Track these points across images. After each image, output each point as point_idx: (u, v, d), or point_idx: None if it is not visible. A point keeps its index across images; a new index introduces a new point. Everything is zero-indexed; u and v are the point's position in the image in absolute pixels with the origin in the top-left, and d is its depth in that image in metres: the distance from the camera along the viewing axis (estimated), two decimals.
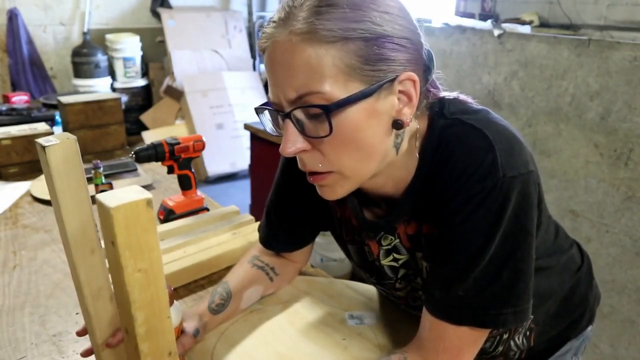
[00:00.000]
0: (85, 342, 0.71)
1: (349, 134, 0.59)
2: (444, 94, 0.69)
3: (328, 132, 0.58)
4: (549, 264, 0.77)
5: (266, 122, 0.67)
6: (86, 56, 3.81)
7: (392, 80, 0.59)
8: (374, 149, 0.62)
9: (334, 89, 0.57)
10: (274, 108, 0.63)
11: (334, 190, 0.65)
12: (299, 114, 0.60)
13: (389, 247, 0.75)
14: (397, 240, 0.73)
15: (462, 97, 0.69)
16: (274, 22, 0.60)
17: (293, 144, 0.60)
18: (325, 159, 0.61)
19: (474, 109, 0.67)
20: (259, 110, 0.66)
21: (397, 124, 0.61)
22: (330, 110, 0.57)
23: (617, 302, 1.79)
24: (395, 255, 0.75)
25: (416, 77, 0.60)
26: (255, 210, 2.72)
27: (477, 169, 0.59)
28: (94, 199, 0.51)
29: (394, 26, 0.58)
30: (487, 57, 2.13)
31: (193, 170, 1.29)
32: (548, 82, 1.91)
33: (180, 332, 0.75)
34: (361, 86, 0.57)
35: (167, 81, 4.11)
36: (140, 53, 4.14)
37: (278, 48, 0.58)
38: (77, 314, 0.91)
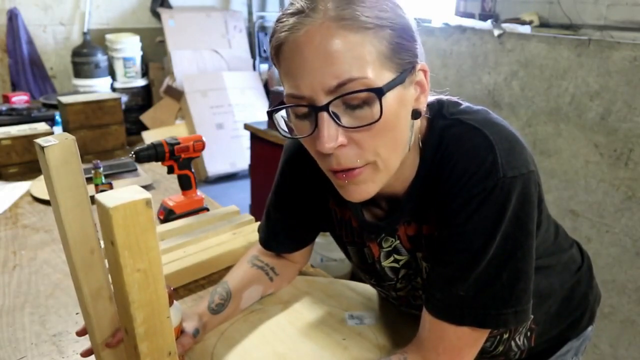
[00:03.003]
0: (85, 342, 0.71)
1: (390, 121, 0.58)
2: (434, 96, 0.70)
3: (378, 117, 0.56)
4: (549, 264, 0.77)
5: (282, 123, 0.64)
6: (86, 56, 3.81)
7: (412, 70, 0.60)
8: (403, 139, 0.62)
9: (375, 75, 0.56)
10: (304, 104, 0.58)
11: (366, 188, 0.62)
12: (336, 105, 0.57)
13: (390, 248, 0.75)
14: (398, 242, 0.73)
15: (453, 98, 0.70)
16: (296, 12, 0.57)
17: (333, 138, 0.57)
18: (362, 151, 0.59)
19: (474, 109, 0.67)
20: (274, 112, 0.63)
21: (416, 113, 0.62)
22: (382, 93, 0.56)
23: (617, 302, 1.79)
24: (396, 256, 0.75)
25: (427, 68, 0.62)
26: (255, 210, 2.72)
27: (478, 169, 0.59)
28: (93, 199, 0.51)
29: (409, 18, 0.60)
30: (487, 57, 2.13)
31: (193, 170, 1.29)
32: (548, 82, 1.91)
33: (180, 332, 0.75)
34: (392, 75, 0.58)
35: (167, 81, 4.11)
36: (140, 53, 4.15)
37: (313, 35, 0.55)
38: (77, 314, 0.91)
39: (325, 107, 0.56)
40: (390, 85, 0.57)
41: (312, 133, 0.59)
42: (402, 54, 0.58)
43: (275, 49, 0.60)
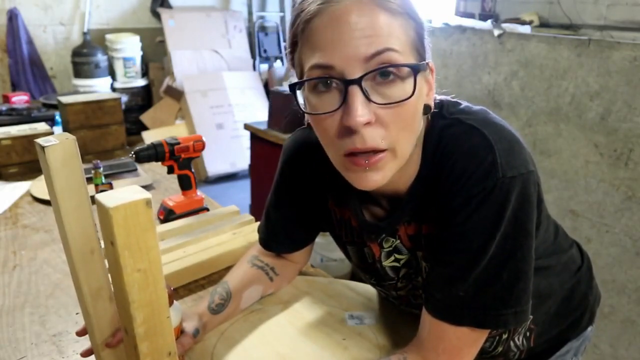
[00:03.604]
0: (85, 342, 0.71)
1: (415, 104, 0.59)
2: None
3: (411, 94, 0.56)
4: (549, 264, 0.77)
5: (301, 100, 0.62)
6: (86, 56, 3.81)
7: (426, 65, 0.61)
8: (418, 128, 0.63)
9: (405, 56, 0.57)
10: (335, 76, 0.57)
11: (382, 174, 0.60)
12: (366, 80, 0.56)
13: (390, 248, 0.75)
14: (398, 241, 0.73)
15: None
16: None
17: (365, 113, 0.55)
18: (387, 132, 0.58)
19: (473, 109, 0.67)
20: (297, 86, 0.61)
21: (427, 108, 0.63)
22: (418, 70, 0.57)
23: (617, 302, 1.79)
24: (397, 255, 0.75)
25: (433, 66, 0.64)
26: (255, 210, 2.72)
27: (477, 169, 0.59)
28: (93, 199, 0.51)
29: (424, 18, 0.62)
30: (487, 57, 2.13)
31: (193, 170, 1.29)
32: (548, 82, 1.91)
33: (180, 332, 0.75)
34: (416, 62, 0.59)
35: (167, 81, 4.11)
36: (140, 53, 4.15)
37: (350, 8, 0.55)
38: (77, 314, 0.91)
39: (358, 81, 0.55)
40: (421, 67, 0.58)
41: (338, 108, 0.57)
42: (421, 47, 0.61)
43: (304, 23, 0.58)
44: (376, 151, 0.58)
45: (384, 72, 0.56)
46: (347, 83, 0.56)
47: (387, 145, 0.58)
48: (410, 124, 0.60)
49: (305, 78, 0.60)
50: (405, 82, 0.57)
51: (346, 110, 0.56)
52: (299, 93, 0.62)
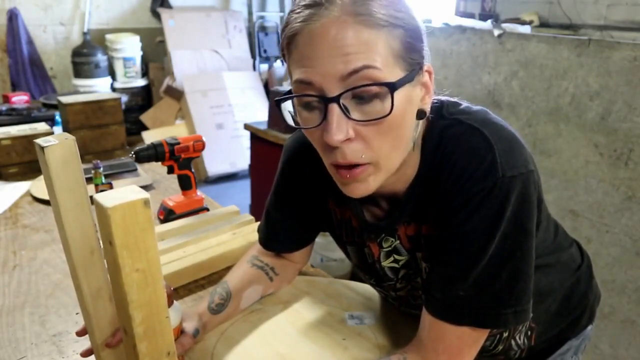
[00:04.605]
0: (85, 342, 0.71)
1: (398, 118, 0.58)
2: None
3: (389, 112, 0.56)
4: (549, 262, 0.77)
5: (287, 114, 0.64)
6: (86, 56, 3.81)
7: (420, 70, 0.61)
8: (407, 138, 0.62)
9: (387, 71, 0.56)
10: (314, 94, 0.58)
11: (366, 185, 0.62)
12: (346, 98, 0.57)
13: (390, 248, 0.75)
14: (398, 242, 0.73)
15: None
16: (312, 4, 0.57)
17: (343, 131, 0.57)
18: (368, 147, 0.59)
19: (473, 109, 0.67)
20: (281, 101, 0.63)
21: (421, 114, 0.63)
22: (395, 87, 0.56)
23: (617, 302, 1.79)
24: (396, 256, 0.75)
25: (432, 69, 0.63)
26: (255, 210, 2.72)
27: (477, 168, 0.59)
28: (93, 199, 0.51)
29: (419, 21, 0.61)
30: (487, 57, 2.13)
31: (193, 170, 1.29)
32: (548, 82, 1.91)
33: (180, 332, 0.75)
34: (402, 73, 0.58)
35: (167, 81, 4.11)
36: (140, 53, 4.15)
37: (329, 27, 0.55)
38: (77, 314, 0.91)
39: (336, 99, 0.56)
40: (402, 82, 0.57)
41: (319, 124, 0.59)
42: (412, 54, 0.59)
43: (288, 38, 0.59)
44: (358, 165, 0.59)
45: (360, 94, 0.57)
46: (326, 101, 0.57)
47: (368, 159, 0.59)
48: (394, 137, 0.60)
49: (291, 92, 0.61)
50: (384, 99, 0.57)
51: (325, 127, 0.57)
52: (288, 103, 0.64)
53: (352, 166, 0.60)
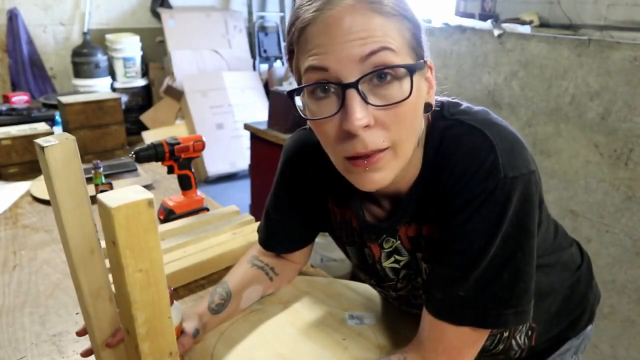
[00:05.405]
0: (85, 342, 0.71)
1: (414, 103, 0.59)
2: None
3: (408, 95, 0.57)
4: (549, 262, 0.77)
5: (300, 106, 0.63)
6: (86, 56, 3.81)
7: (425, 64, 0.61)
8: (419, 127, 0.63)
9: (401, 56, 0.57)
10: (332, 81, 0.57)
11: (384, 175, 0.60)
12: (363, 83, 0.56)
13: (390, 249, 0.75)
14: (398, 242, 0.73)
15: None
16: None
17: (364, 116, 0.55)
18: (387, 132, 0.58)
19: (474, 109, 0.67)
20: (295, 92, 0.61)
21: (428, 106, 0.63)
22: (414, 69, 0.57)
23: (617, 302, 1.79)
24: (397, 257, 0.75)
25: (432, 65, 0.64)
26: (255, 210, 2.72)
27: (478, 169, 0.59)
28: (93, 199, 0.51)
29: (419, 17, 0.62)
30: (487, 57, 2.13)
31: (193, 170, 1.29)
32: (548, 82, 1.91)
33: (180, 332, 0.75)
34: (413, 62, 0.59)
35: (167, 81, 4.11)
36: (140, 53, 4.14)
37: (343, 14, 0.55)
38: (77, 314, 0.91)
39: (355, 84, 0.55)
40: (419, 66, 0.58)
41: (336, 113, 0.58)
42: (418, 47, 0.60)
43: (299, 31, 0.59)
44: (379, 150, 0.58)
45: (380, 74, 0.56)
46: (344, 87, 0.56)
47: (389, 142, 0.59)
48: (410, 123, 0.59)
49: (303, 83, 0.60)
50: (403, 82, 0.57)
51: (345, 114, 0.56)
52: (298, 98, 0.63)
53: (369, 155, 0.59)
